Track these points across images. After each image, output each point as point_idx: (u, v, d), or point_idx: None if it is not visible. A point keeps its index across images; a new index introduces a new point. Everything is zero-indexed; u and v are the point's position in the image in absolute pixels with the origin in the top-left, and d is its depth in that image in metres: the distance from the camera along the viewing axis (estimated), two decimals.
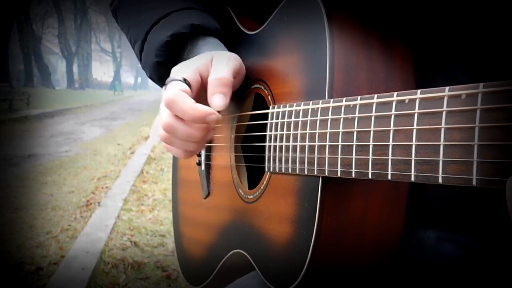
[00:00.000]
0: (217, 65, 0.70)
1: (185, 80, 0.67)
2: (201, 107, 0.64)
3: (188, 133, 0.67)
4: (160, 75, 0.82)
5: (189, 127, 0.67)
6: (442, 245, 0.68)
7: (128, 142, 8.77)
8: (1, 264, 2.90)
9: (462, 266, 0.67)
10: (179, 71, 0.69)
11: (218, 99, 0.67)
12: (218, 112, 0.68)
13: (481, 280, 0.66)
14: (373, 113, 0.48)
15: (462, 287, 0.66)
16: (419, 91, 0.43)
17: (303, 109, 0.61)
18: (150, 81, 0.90)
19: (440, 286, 0.68)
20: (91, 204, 4.25)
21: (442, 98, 0.40)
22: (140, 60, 0.85)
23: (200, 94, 0.71)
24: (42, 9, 44.04)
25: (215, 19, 0.83)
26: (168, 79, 0.67)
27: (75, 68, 50.69)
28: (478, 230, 0.65)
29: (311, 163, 0.59)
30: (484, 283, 0.65)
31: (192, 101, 0.64)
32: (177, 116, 0.66)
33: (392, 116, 0.46)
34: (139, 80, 67.97)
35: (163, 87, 0.71)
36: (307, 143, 0.60)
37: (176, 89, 0.64)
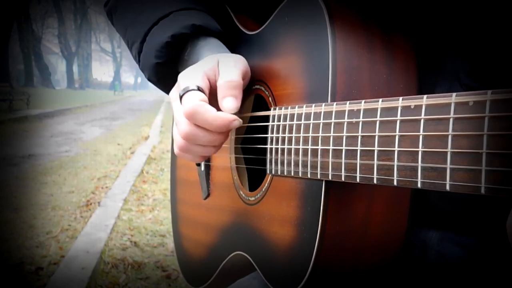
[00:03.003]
0: (225, 68, 0.69)
1: (199, 88, 0.66)
2: (223, 115, 0.64)
3: (209, 139, 0.67)
4: (159, 77, 0.81)
5: (210, 134, 0.66)
6: (445, 246, 0.68)
7: (128, 142, 8.76)
8: (1, 264, 2.89)
9: (465, 267, 0.67)
10: (189, 78, 0.68)
11: (230, 102, 0.66)
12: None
13: (484, 281, 0.65)
14: (378, 118, 0.48)
15: None
16: (425, 96, 0.42)
17: (306, 112, 0.60)
18: None
19: (443, 287, 0.68)
20: (91, 204, 4.25)
21: (449, 104, 0.40)
22: (139, 61, 0.83)
23: (210, 99, 0.70)
24: (42, 9, 44.04)
25: (215, 20, 0.82)
26: (182, 89, 0.66)
27: (75, 68, 50.66)
28: (481, 231, 0.65)
29: (314, 166, 0.58)
30: (487, 284, 0.65)
31: (214, 109, 0.64)
32: (197, 125, 0.66)
33: (398, 121, 0.45)
34: (139, 80, 67.91)
35: (173, 94, 0.70)
36: (310, 147, 0.59)
37: (195, 100, 0.63)
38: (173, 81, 0.79)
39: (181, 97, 0.66)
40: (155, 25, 0.79)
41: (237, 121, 0.65)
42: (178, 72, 0.79)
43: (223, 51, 0.77)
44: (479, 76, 0.61)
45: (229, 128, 0.65)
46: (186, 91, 0.65)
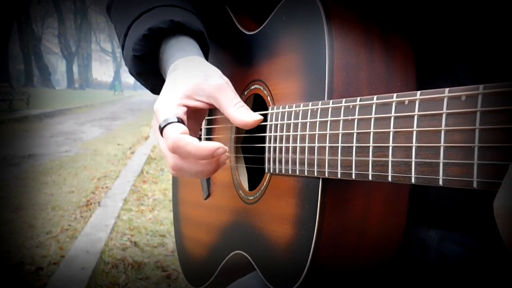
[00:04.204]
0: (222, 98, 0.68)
1: (178, 119, 0.65)
2: (205, 145, 0.62)
3: (197, 171, 0.66)
4: (138, 71, 0.80)
5: (197, 165, 0.66)
6: (445, 245, 0.68)
7: (128, 142, 8.76)
8: (1, 264, 2.89)
9: (465, 266, 0.67)
10: (166, 108, 0.67)
11: (252, 116, 0.65)
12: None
13: (484, 280, 0.66)
14: (373, 115, 0.48)
15: (464, 287, 0.66)
16: (418, 92, 0.43)
17: (303, 110, 0.61)
18: None
19: (443, 286, 0.68)
20: (91, 204, 4.25)
21: (442, 99, 0.40)
22: (123, 55, 0.83)
23: (192, 117, 0.70)
24: (42, 9, 44.02)
25: (210, 21, 0.82)
26: (161, 122, 0.65)
27: (75, 68, 50.64)
28: (481, 229, 0.65)
29: (311, 164, 0.59)
30: (487, 283, 0.65)
31: (196, 141, 0.63)
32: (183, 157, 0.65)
33: (392, 118, 0.46)
34: None
35: (154, 125, 0.69)
36: (306, 144, 0.60)
37: (176, 134, 0.63)
38: (153, 77, 0.79)
39: (161, 131, 0.65)
40: (137, 18, 0.79)
41: (222, 149, 0.63)
42: (159, 69, 0.79)
43: (194, 51, 0.75)
44: (478, 75, 0.61)
45: (214, 156, 0.63)
46: (166, 124, 0.65)
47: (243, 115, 0.65)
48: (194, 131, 0.73)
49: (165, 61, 0.75)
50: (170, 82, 0.70)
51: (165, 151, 0.67)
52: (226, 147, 0.64)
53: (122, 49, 0.83)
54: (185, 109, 0.68)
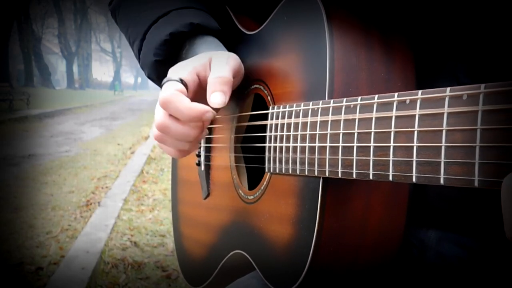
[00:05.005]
0: (216, 64, 0.69)
1: (181, 81, 0.67)
2: (196, 106, 0.64)
3: (182, 133, 0.67)
4: (158, 74, 0.82)
5: (183, 126, 0.66)
6: (443, 245, 0.68)
7: (128, 142, 8.77)
8: (1, 264, 2.90)
9: (463, 266, 0.67)
10: (176, 71, 0.69)
11: (218, 96, 0.66)
12: (217, 110, 0.68)
13: (482, 280, 0.66)
14: (374, 114, 0.48)
15: (463, 287, 0.66)
16: (420, 91, 0.43)
17: (303, 110, 0.61)
18: (150, 81, 0.89)
19: (442, 286, 0.68)
20: (91, 204, 4.25)
21: (443, 98, 0.40)
22: (139, 59, 0.84)
23: (199, 95, 0.70)
24: (42, 9, 44.03)
25: (214, 19, 0.83)
26: (164, 80, 0.67)
27: (75, 68, 50.65)
28: (480, 230, 0.65)
29: (311, 164, 0.59)
30: (485, 283, 0.65)
31: (188, 100, 0.64)
32: (171, 116, 0.66)
33: (393, 117, 0.46)
34: (139, 80, 67.89)
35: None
36: (307, 144, 0.59)
37: (171, 89, 0.64)
38: None
39: (161, 87, 0.67)
40: (154, 23, 0.80)
41: (210, 113, 0.65)
42: None
43: (220, 49, 0.77)
44: (477, 75, 0.61)
45: (201, 119, 0.65)
46: (166, 81, 0.66)
47: (216, 98, 0.66)
48: None
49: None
50: (192, 58, 0.72)
51: (157, 108, 0.68)
52: (214, 112, 0.66)
53: (138, 54, 0.84)
54: (195, 78, 0.69)
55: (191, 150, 0.72)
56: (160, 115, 0.67)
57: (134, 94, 46.41)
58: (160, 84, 0.86)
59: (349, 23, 0.60)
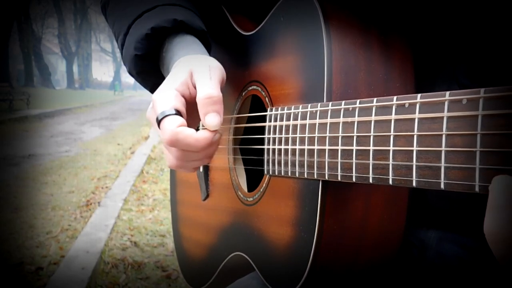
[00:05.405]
0: (201, 81, 0.66)
1: (176, 111, 0.64)
2: (203, 135, 0.62)
3: (199, 156, 0.66)
4: (138, 70, 0.80)
5: (199, 154, 0.66)
6: (444, 245, 0.68)
7: (128, 142, 8.76)
8: (1, 264, 2.89)
9: (464, 266, 0.67)
10: (163, 100, 0.66)
11: (213, 118, 0.64)
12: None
13: (482, 280, 0.66)
14: (373, 117, 0.48)
15: (463, 287, 0.66)
16: (419, 95, 0.42)
17: (302, 112, 0.60)
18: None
19: (442, 286, 0.68)
20: (91, 204, 4.25)
21: (442, 102, 0.40)
22: (122, 54, 0.82)
23: (188, 112, 0.68)
24: (42, 9, 43.99)
25: (206, 20, 0.82)
26: (159, 114, 0.64)
27: (75, 68, 50.63)
28: (480, 230, 0.65)
29: (310, 166, 0.58)
30: (485, 283, 0.65)
31: (193, 132, 0.62)
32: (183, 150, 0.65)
33: (392, 121, 0.45)
34: None
35: (150, 116, 0.67)
36: (306, 147, 0.59)
37: (173, 127, 0.62)
38: (153, 76, 0.79)
39: (158, 123, 0.64)
40: (138, 17, 0.79)
41: (218, 134, 0.64)
42: (159, 68, 0.78)
43: (198, 49, 0.75)
44: (477, 77, 0.61)
45: (212, 144, 0.64)
46: (163, 116, 0.63)
47: (212, 120, 0.64)
48: (194, 124, 0.72)
49: (169, 59, 0.75)
50: (171, 75, 0.70)
51: (166, 145, 0.66)
52: (221, 133, 0.65)
53: (121, 48, 0.82)
54: (183, 100, 0.66)
55: (209, 162, 0.72)
56: (172, 153, 0.66)
57: (134, 94, 46.35)
58: (140, 80, 0.85)
59: (347, 23, 0.60)
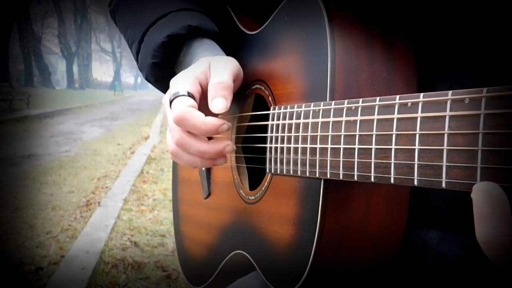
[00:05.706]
0: (216, 70, 0.69)
1: (189, 94, 0.66)
2: (211, 120, 0.63)
3: (198, 149, 0.67)
4: (156, 76, 0.81)
5: (200, 142, 0.66)
6: (444, 246, 0.68)
7: (128, 142, 8.77)
8: (1, 264, 2.90)
9: (464, 267, 0.67)
10: (179, 83, 0.68)
11: (219, 102, 0.65)
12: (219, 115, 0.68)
13: (483, 281, 0.66)
14: (375, 116, 0.48)
15: (464, 287, 0.67)
16: (421, 94, 0.43)
17: (304, 111, 0.61)
18: None
19: (442, 286, 0.68)
20: (91, 204, 4.25)
21: (445, 102, 0.40)
22: (137, 61, 0.84)
23: (203, 103, 0.70)
24: (42, 9, 44.00)
25: (213, 21, 0.82)
26: (172, 95, 0.66)
27: (75, 68, 50.64)
28: None
29: (312, 165, 0.59)
30: (486, 284, 0.66)
31: (202, 115, 0.64)
32: (188, 132, 0.66)
33: (395, 119, 0.46)
34: (139, 80, 67.79)
35: (165, 99, 0.69)
36: (308, 145, 0.60)
37: (184, 106, 0.63)
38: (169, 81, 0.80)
39: (170, 103, 0.66)
40: (152, 25, 0.79)
41: (226, 125, 0.65)
42: (175, 73, 0.79)
43: (217, 52, 0.77)
44: (479, 76, 0.61)
45: (217, 132, 0.64)
46: (176, 96, 0.65)
47: (218, 105, 0.65)
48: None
49: (188, 63, 0.76)
50: (192, 66, 0.71)
51: (171, 124, 0.67)
52: (230, 124, 0.66)
53: (136, 55, 0.83)
54: (199, 87, 0.68)
55: (201, 166, 0.72)
56: (176, 132, 0.66)
57: (134, 94, 46.39)
58: (158, 86, 0.86)
59: (350, 23, 0.60)
